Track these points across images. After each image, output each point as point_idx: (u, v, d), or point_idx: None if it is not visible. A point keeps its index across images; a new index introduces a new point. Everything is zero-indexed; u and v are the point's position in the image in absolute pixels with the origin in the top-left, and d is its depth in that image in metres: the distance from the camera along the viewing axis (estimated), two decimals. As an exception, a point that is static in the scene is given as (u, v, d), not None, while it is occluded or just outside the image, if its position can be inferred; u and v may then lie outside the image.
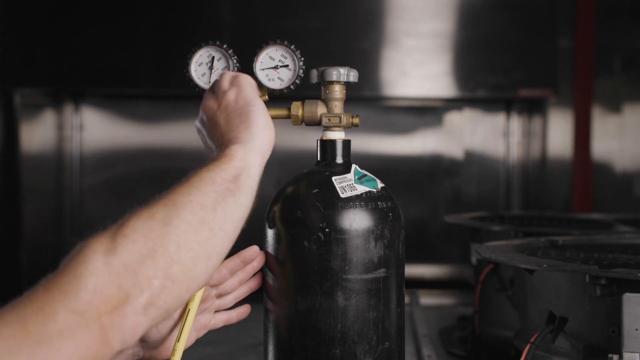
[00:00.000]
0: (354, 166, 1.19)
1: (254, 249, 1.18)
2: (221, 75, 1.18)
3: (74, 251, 0.91)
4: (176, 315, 1.13)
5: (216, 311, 1.21)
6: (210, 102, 1.16)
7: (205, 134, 1.16)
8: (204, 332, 1.20)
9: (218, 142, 1.12)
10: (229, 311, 1.22)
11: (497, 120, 3.68)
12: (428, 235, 3.69)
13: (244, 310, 1.23)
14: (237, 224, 1.04)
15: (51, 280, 0.87)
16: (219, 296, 1.20)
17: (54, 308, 0.84)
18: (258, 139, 1.10)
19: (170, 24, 3.29)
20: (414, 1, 3.29)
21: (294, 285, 1.14)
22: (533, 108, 3.59)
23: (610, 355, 1.22)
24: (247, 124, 1.11)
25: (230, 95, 1.14)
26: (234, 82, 1.16)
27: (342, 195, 1.14)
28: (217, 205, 1.01)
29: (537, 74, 3.28)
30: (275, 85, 1.21)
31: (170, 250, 0.94)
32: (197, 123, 1.18)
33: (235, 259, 1.18)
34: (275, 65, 1.20)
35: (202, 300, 1.17)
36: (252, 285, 1.21)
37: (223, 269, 1.17)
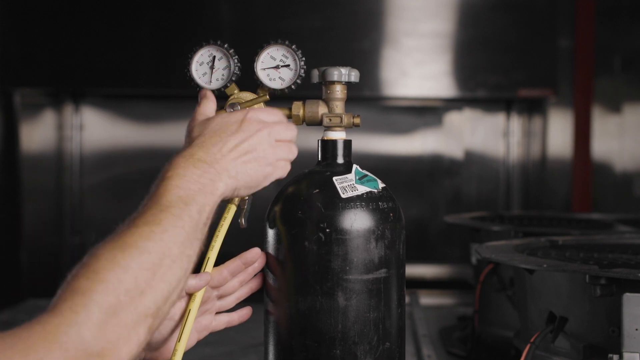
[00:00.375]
0: (354, 166, 1.19)
1: (255, 251, 1.18)
2: (289, 125, 1.17)
3: (76, 290, 0.90)
4: (177, 316, 1.13)
5: (217, 313, 1.21)
6: (261, 122, 1.14)
7: (220, 126, 1.13)
8: (205, 333, 1.20)
9: (216, 149, 1.10)
10: (230, 313, 1.22)
11: (497, 120, 3.68)
12: (428, 235, 3.69)
13: (246, 312, 1.23)
14: None
15: (50, 331, 0.86)
16: (220, 297, 1.20)
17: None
18: (229, 193, 1.10)
19: (170, 24, 3.29)
20: (414, 1, 3.29)
21: (294, 285, 1.14)
22: (533, 108, 3.59)
23: (610, 355, 1.22)
24: (241, 179, 1.11)
25: (271, 148, 1.14)
26: (285, 143, 1.16)
27: (342, 196, 1.14)
28: (194, 256, 1.03)
29: (537, 74, 3.28)
30: (277, 85, 1.21)
31: (160, 306, 0.96)
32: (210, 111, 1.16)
33: (237, 261, 1.18)
34: (277, 65, 1.20)
35: (203, 302, 1.17)
36: (253, 285, 1.21)
37: (224, 271, 1.17)
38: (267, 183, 1.15)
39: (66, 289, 0.91)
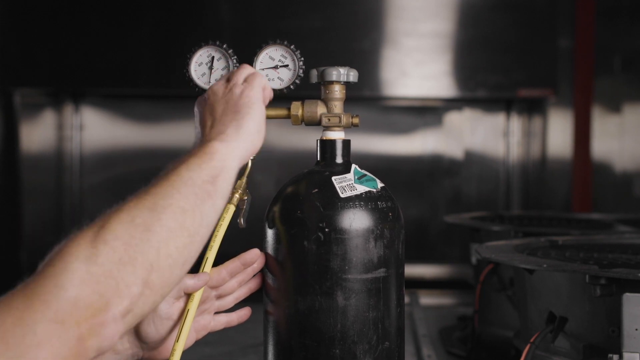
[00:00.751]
0: (353, 166, 1.19)
1: (254, 252, 1.18)
2: (240, 67, 1.18)
3: (54, 253, 0.90)
4: (175, 316, 1.13)
5: (216, 313, 1.21)
6: (217, 87, 1.15)
7: (198, 116, 1.15)
8: (203, 333, 1.20)
9: (206, 129, 1.11)
10: (229, 313, 1.22)
11: (497, 120, 3.68)
12: (428, 235, 3.69)
13: (245, 312, 1.22)
14: (211, 227, 1.03)
15: (30, 287, 0.86)
16: (219, 297, 1.20)
17: (34, 319, 0.84)
18: (242, 142, 1.09)
19: (170, 24, 3.29)
20: (414, 1, 3.29)
21: (293, 285, 1.14)
22: (533, 108, 3.59)
23: (610, 355, 1.22)
24: (238, 123, 1.10)
25: (237, 90, 1.13)
26: (248, 78, 1.15)
27: (341, 195, 1.14)
28: (196, 209, 1.00)
29: (537, 74, 3.28)
30: (275, 85, 1.21)
31: (150, 257, 0.93)
32: (197, 104, 1.17)
33: (236, 262, 1.17)
34: (275, 65, 1.21)
35: (202, 302, 1.17)
36: (252, 285, 1.21)
37: (223, 271, 1.17)
38: (254, 98, 1.13)
39: (48, 256, 0.92)
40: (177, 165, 1.03)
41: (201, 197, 1.01)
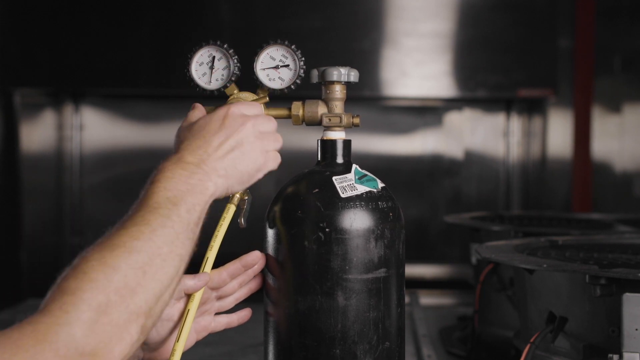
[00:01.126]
0: (354, 166, 1.19)
1: (255, 254, 1.18)
2: (269, 117, 1.16)
3: (65, 291, 0.90)
4: (176, 317, 1.13)
5: (217, 313, 1.21)
6: (243, 116, 1.13)
7: (205, 125, 1.12)
8: (204, 334, 1.20)
9: (210, 146, 1.09)
10: (229, 314, 1.22)
11: (497, 120, 3.68)
12: (428, 235, 3.69)
13: (245, 313, 1.22)
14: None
15: (41, 331, 0.86)
16: (219, 298, 1.20)
17: None
18: (221, 192, 1.10)
19: (170, 24, 3.29)
20: (414, 1, 3.29)
21: (294, 285, 1.14)
22: (533, 108, 3.59)
23: (610, 355, 1.22)
24: (232, 176, 1.10)
25: (257, 140, 1.13)
26: (270, 135, 1.15)
27: (342, 195, 1.14)
28: (186, 256, 1.02)
29: (537, 74, 3.28)
30: (276, 85, 1.21)
31: (150, 304, 0.96)
32: (197, 113, 1.15)
33: (237, 264, 1.17)
34: (276, 65, 1.20)
35: (202, 303, 1.17)
36: (252, 286, 1.21)
37: (224, 273, 1.17)
38: (260, 175, 1.15)
39: (56, 290, 0.91)
40: (178, 199, 1.03)
41: (192, 240, 1.04)
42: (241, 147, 1.11)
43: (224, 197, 1.13)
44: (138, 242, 0.97)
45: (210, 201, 1.08)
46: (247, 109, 1.15)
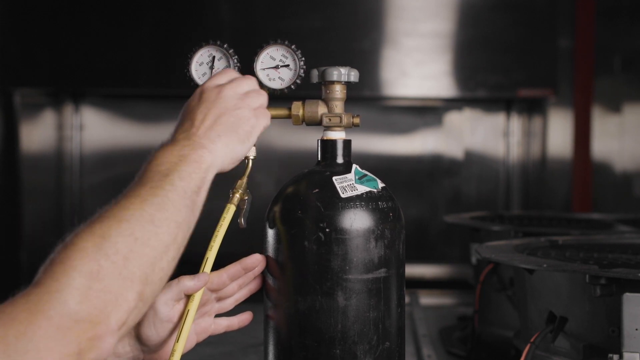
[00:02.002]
0: (354, 166, 1.19)
1: (256, 257, 1.17)
2: (245, 77, 1.16)
3: (56, 261, 0.90)
4: (176, 318, 1.13)
5: (217, 315, 1.21)
6: (218, 86, 1.13)
7: (187, 108, 1.13)
8: (204, 336, 1.20)
9: (194, 126, 1.10)
10: (230, 317, 1.21)
11: (497, 120, 3.68)
12: (428, 235, 3.69)
13: (246, 317, 1.22)
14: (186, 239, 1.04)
15: (33, 301, 0.86)
16: (219, 300, 1.20)
17: (37, 334, 0.84)
18: (225, 158, 1.09)
19: (170, 24, 3.29)
20: (414, 1, 3.29)
21: (294, 285, 1.14)
22: (533, 108, 3.59)
23: (610, 355, 1.22)
24: (229, 139, 1.10)
25: (240, 102, 1.13)
26: (251, 93, 1.15)
27: (342, 195, 1.14)
28: (185, 222, 1.01)
29: (537, 74, 3.28)
30: (276, 85, 1.21)
31: (147, 271, 0.95)
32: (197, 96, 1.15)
33: (237, 266, 1.17)
34: (276, 65, 1.20)
35: (202, 304, 1.16)
36: (252, 287, 1.20)
37: (224, 275, 1.17)
38: (257, 132, 1.14)
39: (47, 263, 0.92)
40: (171, 171, 1.02)
41: (190, 208, 1.02)
42: (226, 113, 1.11)
43: (234, 165, 1.12)
44: (127, 211, 0.96)
45: (212, 170, 1.07)
46: (220, 79, 1.15)
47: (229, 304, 1.21)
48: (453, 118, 3.70)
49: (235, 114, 1.12)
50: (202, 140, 1.08)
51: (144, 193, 0.99)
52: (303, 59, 1.20)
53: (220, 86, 1.14)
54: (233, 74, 1.17)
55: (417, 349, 1.88)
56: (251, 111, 1.13)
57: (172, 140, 1.09)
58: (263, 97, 1.16)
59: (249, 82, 1.16)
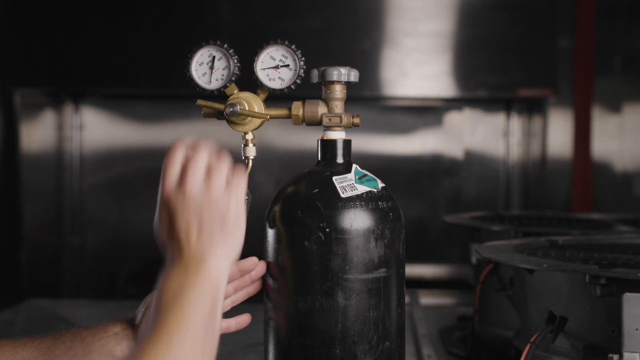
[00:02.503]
0: (354, 166, 1.19)
1: (253, 260, 1.17)
2: (196, 155, 1.05)
3: None
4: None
5: None
6: (195, 188, 1.03)
7: (172, 217, 1.04)
8: None
9: (191, 240, 1.03)
10: (227, 319, 1.21)
11: (497, 120, 3.68)
12: (428, 235, 3.70)
13: (244, 319, 1.22)
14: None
15: None
16: None
17: None
18: (231, 256, 1.06)
19: (170, 24, 3.29)
20: (414, 1, 3.29)
21: (294, 285, 1.14)
22: (533, 108, 3.59)
23: (610, 355, 1.22)
24: (227, 240, 1.05)
25: (208, 195, 1.04)
26: (212, 172, 1.05)
27: (342, 195, 1.14)
28: (205, 347, 0.99)
29: (537, 74, 3.28)
30: (276, 85, 1.20)
31: None
32: (165, 201, 1.04)
33: (234, 268, 1.17)
34: (276, 65, 1.20)
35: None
36: (250, 290, 1.20)
37: None
38: (242, 207, 1.07)
39: None
40: (185, 285, 1.00)
41: (210, 329, 1.00)
42: (203, 214, 1.04)
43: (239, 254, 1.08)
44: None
45: (223, 274, 1.04)
46: (172, 174, 1.05)
47: (226, 304, 1.20)
48: (453, 118, 3.70)
49: (212, 209, 1.04)
50: (203, 250, 1.03)
51: (169, 323, 0.98)
52: (303, 59, 1.20)
53: (182, 187, 1.04)
54: (177, 156, 1.06)
55: (417, 349, 1.88)
56: (224, 195, 1.05)
57: (169, 262, 1.03)
58: (223, 166, 1.06)
59: (202, 157, 1.05)
